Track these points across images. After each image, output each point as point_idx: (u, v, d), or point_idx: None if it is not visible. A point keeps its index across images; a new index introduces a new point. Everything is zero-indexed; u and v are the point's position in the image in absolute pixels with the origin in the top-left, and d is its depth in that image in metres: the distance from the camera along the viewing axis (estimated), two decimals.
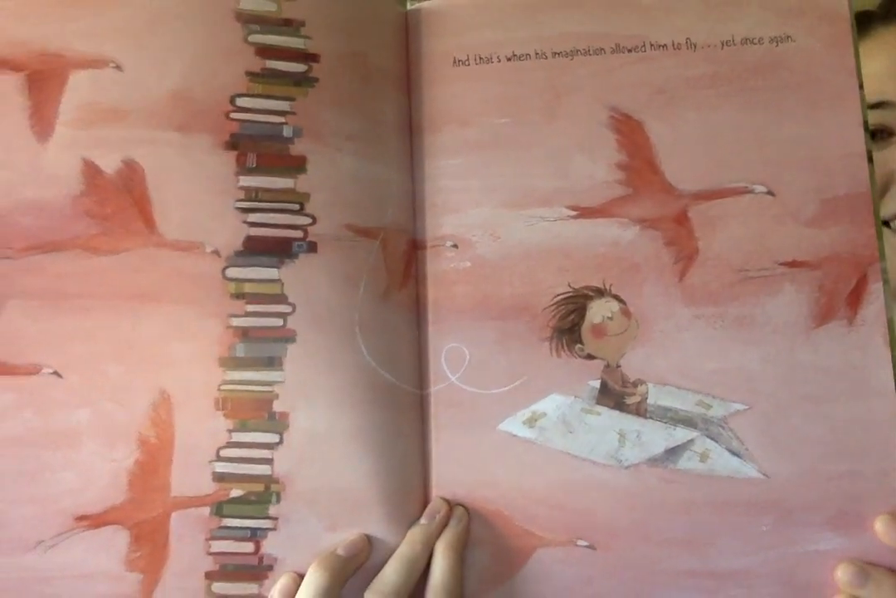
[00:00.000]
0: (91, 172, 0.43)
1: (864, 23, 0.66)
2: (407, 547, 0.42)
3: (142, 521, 0.42)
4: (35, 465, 0.42)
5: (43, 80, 0.43)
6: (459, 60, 0.46)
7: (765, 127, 0.44)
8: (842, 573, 0.42)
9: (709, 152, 0.44)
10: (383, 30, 0.47)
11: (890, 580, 0.41)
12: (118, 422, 0.42)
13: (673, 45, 0.45)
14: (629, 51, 0.45)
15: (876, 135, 0.61)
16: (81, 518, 0.42)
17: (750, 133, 0.44)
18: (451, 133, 0.46)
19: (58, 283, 0.43)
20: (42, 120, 0.43)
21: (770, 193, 0.44)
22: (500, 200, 0.45)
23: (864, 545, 0.42)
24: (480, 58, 0.46)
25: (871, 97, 0.54)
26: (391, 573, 0.41)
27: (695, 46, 0.45)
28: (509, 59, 0.46)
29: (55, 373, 0.42)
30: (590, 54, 0.46)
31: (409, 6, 0.48)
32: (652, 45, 0.45)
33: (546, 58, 0.46)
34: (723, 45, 0.45)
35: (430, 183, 0.46)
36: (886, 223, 0.62)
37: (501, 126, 0.46)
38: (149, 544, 0.42)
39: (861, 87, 0.45)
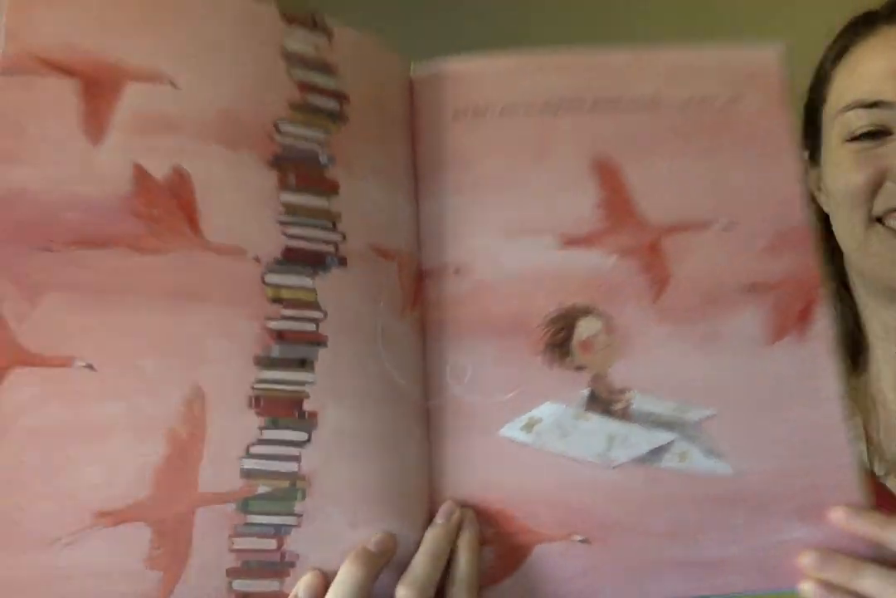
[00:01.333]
0: (141, 175, 0.45)
1: (869, 22, 0.67)
2: (432, 544, 0.45)
3: (165, 517, 0.42)
4: (60, 459, 0.42)
5: (98, 86, 0.45)
6: (458, 113, 0.53)
7: (723, 172, 0.52)
8: (806, 559, 0.46)
9: (677, 192, 0.51)
10: (394, 83, 0.53)
11: (848, 563, 0.45)
12: (150, 416, 0.43)
13: (644, 101, 0.53)
14: (606, 106, 0.53)
15: (874, 134, 0.62)
16: (102, 515, 0.41)
17: (710, 177, 0.52)
18: (453, 174, 0.52)
19: (100, 278, 0.43)
20: (95, 123, 0.45)
21: (731, 225, 0.51)
22: (497, 231, 0.51)
23: (825, 532, 0.47)
24: (476, 112, 0.53)
25: (868, 96, 0.59)
26: (420, 567, 0.44)
27: (661, 104, 0.53)
28: (501, 115, 0.53)
29: (88, 366, 0.42)
30: (572, 110, 0.53)
31: (412, 73, 0.54)
32: (626, 101, 0.53)
33: (533, 115, 0.53)
34: (685, 103, 0.53)
35: (435, 216, 0.51)
36: (879, 219, 0.65)
37: (496, 169, 0.52)
38: (171, 541, 0.42)
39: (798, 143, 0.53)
